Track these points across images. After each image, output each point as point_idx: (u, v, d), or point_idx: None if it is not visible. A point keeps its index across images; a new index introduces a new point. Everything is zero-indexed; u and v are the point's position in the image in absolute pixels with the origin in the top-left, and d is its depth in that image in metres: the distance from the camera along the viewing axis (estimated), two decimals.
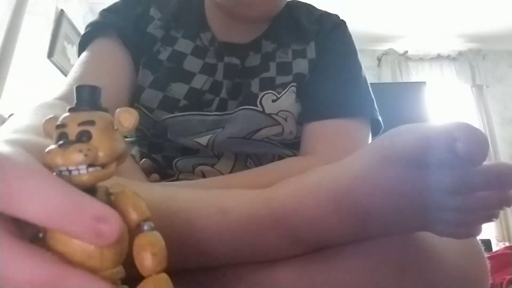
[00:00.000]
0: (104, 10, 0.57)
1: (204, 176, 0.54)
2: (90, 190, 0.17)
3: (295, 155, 0.57)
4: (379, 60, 3.27)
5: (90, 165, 0.16)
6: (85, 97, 0.18)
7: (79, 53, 0.56)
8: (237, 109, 0.55)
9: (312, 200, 0.31)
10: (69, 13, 2.44)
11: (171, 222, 0.31)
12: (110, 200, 0.18)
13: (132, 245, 0.18)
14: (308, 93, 0.57)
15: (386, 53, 3.23)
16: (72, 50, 2.49)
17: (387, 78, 3.14)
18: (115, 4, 0.59)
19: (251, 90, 0.56)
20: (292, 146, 0.57)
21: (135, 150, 0.60)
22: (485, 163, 0.25)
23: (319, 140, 0.53)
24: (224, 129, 0.54)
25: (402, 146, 0.26)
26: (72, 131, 0.17)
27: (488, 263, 0.36)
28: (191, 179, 0.52)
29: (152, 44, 0.57)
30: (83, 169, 0.16)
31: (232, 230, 0.31)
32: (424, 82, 2.26)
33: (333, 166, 0.33)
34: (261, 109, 0.54)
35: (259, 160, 0.56)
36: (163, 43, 0.57)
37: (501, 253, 1.28)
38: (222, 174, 0.54)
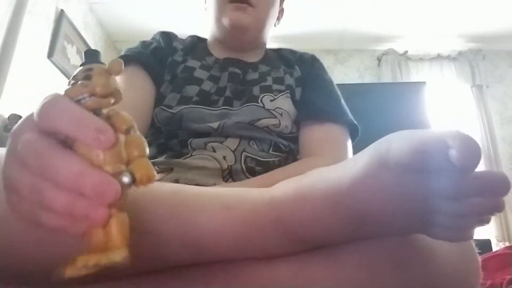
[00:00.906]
0: (127, 49, 0.74)
1: (214, 150, 0.63)
2: (96, 114, 0.25)
3: (289, 145, 0.69)
4: (379, 60, 3.26)
5: (92, 95, 0.24)
6: (89, 56, 0.26)
7: None
8: (242, 106, 0.68)
9: (311, 200, 0.32)
10: (69, 13, 2.44)
11: (177, 215, 0.32)
12: (109, 121, 0.25)
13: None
14: (305, 101, 0.71)
15: (386, 53, 3.22)
16: (72, 50, 2.49)
17: (387, 78, 3.14)
18: (135, 45, 0.75)
19: (253, 94, 0.70)
20: (288, 139, 0.69)
21: (150, 150, 0.69)
22: (485, 166, 0.25)
23: (323, 142, 0.67)
24: (231, 118, 0.66)
25: (399, 151, 0.27)
26: (80, 77, 0.25)
27: (479, 259, 0.38)
28: (203, 155, 0.63)
29: (176, 66, 0.73)
30: (87, 97, 0.24)
31: (234, 225, 0.32)
32: (424, 82, 2.26)
33: (333, 168, 0.34)
34: (261, 105, 0.68)
35: (260, 142, 0.67)
36: (180, 64, 0.74)
37: (501, 253, 1.27)
38: (230, 148, 0.64)
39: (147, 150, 0.25)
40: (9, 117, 1.86)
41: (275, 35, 3.05)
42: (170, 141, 0.67)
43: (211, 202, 0.34)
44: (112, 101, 0.25)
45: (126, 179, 0.24)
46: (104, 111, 0.26)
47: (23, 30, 1.99)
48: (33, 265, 0.31)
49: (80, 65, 0.26)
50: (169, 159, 0.64)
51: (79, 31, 2.57)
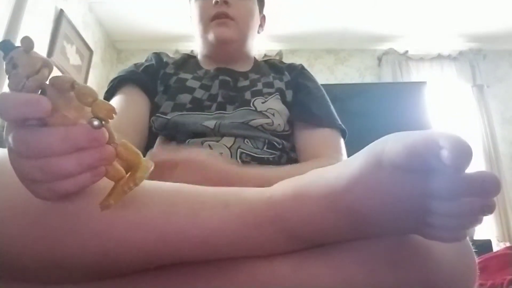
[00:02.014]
0: (121, 70, 0.80)
1: (210, 147, 0.66)
2: (43, 88, 0.28)
3: (283, 143, 0.72)
4: (379, 60, 3.26)
5: (28, 77, 0.27)
6: (5, 49, 0.28)
7: (106, 95, 0.76)
8: (235, 110, 0.71)
9: (309, 198, 0.33)
10: (68, 13, 2.44)
11: (177, 212, 0.33)
12: (55, 87, 0.28)
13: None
14: (299, 103, 0.76)
15: (387, 52, 3.22)
16: (72, 49, 2.48)
17: (387, 78, 3.13)
18: (128, 67, 0.82)
19: (245, 98, 0.74)
20: (282, 137, 0.72)
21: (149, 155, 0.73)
22: (486, 166, 0.25)
23: (323, 146, 0.71)
24: (225, 120, 0.69)
25: (394, 151, 0.28)
26: (9, 69, 0.28)
27: (475, 256, 0.39)
28: None
29: (168, 78, 0.79)
30: (25, 81, 0.27)
31: (233, 222, 0.33)
32: (424, 82, 2.26)
33: (330, 168, 0.35)
34: (254, 109, 0.71)
35: (254, 140, 0.69)
36: (172, 75, 0.79)
37: (501, 253, 1.27)
38: (226, 146, 0.66)
39: (96, 92, 0.29)
40: None
41: (276, 35, 3.05)
42: (168, 142, 0.70)
43: (210, 200, 0.34)
44: (47, 72, 0.28)
45: (95, 123, 0.28)
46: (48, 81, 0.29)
47: (23, 29, 1.99)
48: (34, 263, 0.31)
49: (4, 59, 0.29)
50: None
51: (79, 30, 2.57)
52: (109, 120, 0.29)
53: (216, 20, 0.76)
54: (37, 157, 0.27)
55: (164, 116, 0.70)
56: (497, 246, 2.42)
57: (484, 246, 1.79)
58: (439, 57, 3.23)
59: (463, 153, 0.25)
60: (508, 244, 2.49)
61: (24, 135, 0.27)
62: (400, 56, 3.23)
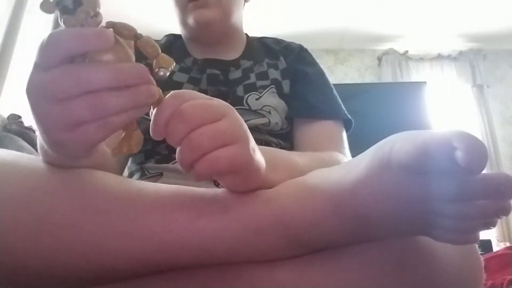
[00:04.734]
0: None
1: None
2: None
3: (280, 143, 0.66)
4: (379, 60, 3.26)
5: (93, 15, 0.29)
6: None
7: None
8: None
9: (312, 202, 0.32)
10: None
11: (176, 219, 0.32)
12: (114, 30, 0.30)
13: None
14: (297, 96, 0.69)
15: (387, 52, 3.22)
16: None
17: (387, 78, 3.14)
18: None
19: (237, 94, 0.67)
20: (279, 137, 0.67)
21: (137, 157, 0.68)
22: (486, 167, 0.25)
23: (323, 140, 0.64)
24: None
25: (403, 152, 0.27)
26: (71, 5, 0.29)
27: (481, 261, 0.38)
28: None
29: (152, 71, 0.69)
30: (90, 18, 0.29)
31: (233, 228, 0.32)
32: (424, 82, 2.26)
33: (335, 169, 0.34)
34: (247, 107, 0.65)
35: None
36: None
37: (501, 254, 1.28)
38: None
39: (159, 47, 0.32)
40: (8, 117, 1.85)
41: (275, 35, 3.04)
42: (157, 146, 0.64)
43: (209, 205, 0.33)
44: (101, 16, 0.30)
45: (161, 73, 0.32)
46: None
47: (23, 29, 1.98)
48: (27, 273, 0.31)
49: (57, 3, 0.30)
50: (158, 164, 0.62)
51: None
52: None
53: (193, 2, 0.67)
54: (87, 92, 0.27)
55: (149, 118, 0.63)
56: (497, 246, 2.42)
57: (484, 246, 1.79)
58: (439, 57, 3.23)
59: (479, 155, 0.24)
60: (508, 244, 2.50)
61: (76, 69, 0.27)
62: (400, 56, 3.23)
